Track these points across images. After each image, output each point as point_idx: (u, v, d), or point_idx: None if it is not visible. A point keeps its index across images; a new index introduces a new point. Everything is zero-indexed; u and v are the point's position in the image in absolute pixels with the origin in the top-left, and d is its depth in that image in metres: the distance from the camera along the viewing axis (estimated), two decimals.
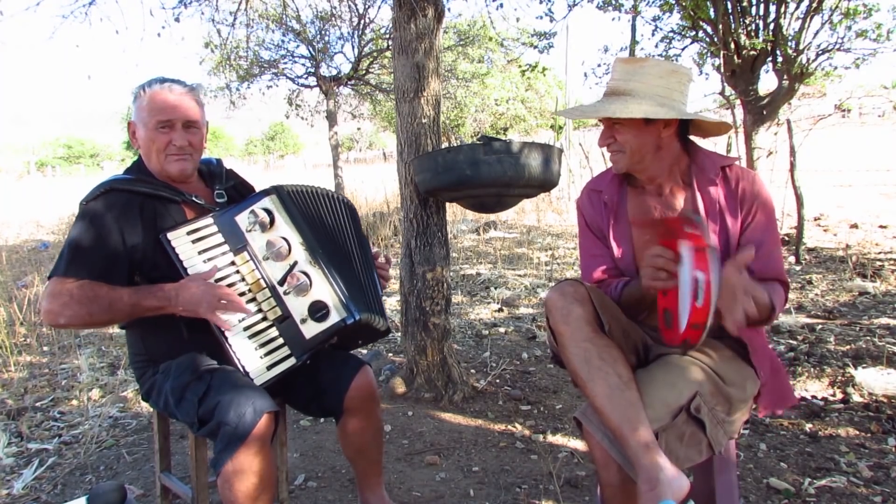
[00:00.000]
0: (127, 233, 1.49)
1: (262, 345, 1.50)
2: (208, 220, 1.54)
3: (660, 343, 1.51)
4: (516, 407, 2.81)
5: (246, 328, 1.49)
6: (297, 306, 1.52)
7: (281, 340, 1.51)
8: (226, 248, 1.53)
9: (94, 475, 2.31)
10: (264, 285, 1.52)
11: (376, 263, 1.78)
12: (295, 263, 1.54)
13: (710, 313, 1.21)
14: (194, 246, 1.51)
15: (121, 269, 1.49)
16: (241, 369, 1.46)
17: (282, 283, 1.52)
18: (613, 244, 1.59)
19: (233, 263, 1.53)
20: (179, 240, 1.50)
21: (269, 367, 1.48)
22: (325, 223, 1.68)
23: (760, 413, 1.54)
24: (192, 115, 1.57)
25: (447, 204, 2.93)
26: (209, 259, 1.51)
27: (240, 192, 1.76)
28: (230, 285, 1.50)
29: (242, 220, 1.55)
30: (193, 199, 1.59)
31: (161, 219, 1.54)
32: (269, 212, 1.56)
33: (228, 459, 1.31)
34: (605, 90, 1.52)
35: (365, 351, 3.64)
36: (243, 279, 1.52)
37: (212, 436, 1.38)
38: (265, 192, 1.61)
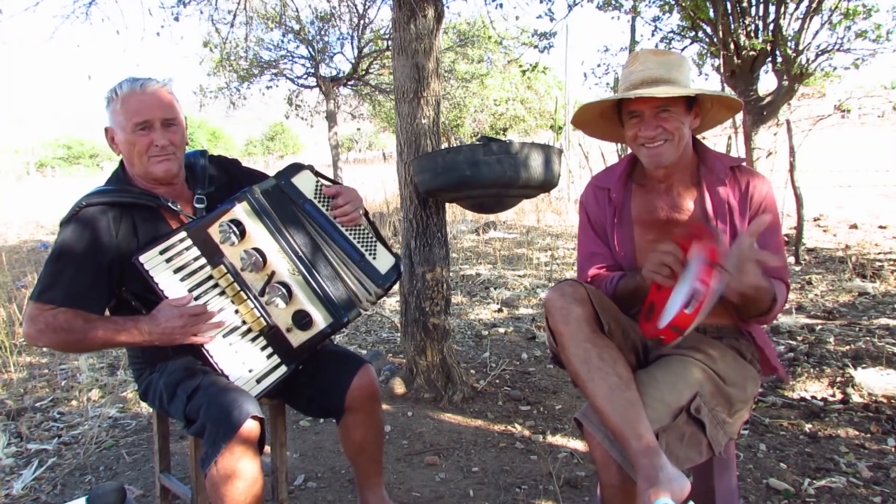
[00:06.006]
0: (103, 251, 1.46)
1: (250, 356, 1.49)
2: (181, 234, 1.49)
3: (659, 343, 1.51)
4: (516, 407, 2.81)
5: (231, 343, 1.48)
6: (281, 316, 1.50)
7: (270, 350, 1.50)
8: (203, 261, 1.49)
9: (93, 475, 2.31)
10: (245, 297, 1.50)
11: (337, 215, 1.61)
12: (272, 274, 1.50)
13: (694, 324, 1.24)
14: (168, 265, 1.46)
15: (99, 291, 1.47)
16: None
17: (262, 294, 1.50)
18: (615, 242, 1.59)
19: (211, 277, 1.50)
20: (152, 261, 1.45)
21: (259, 380, 1.48)
22: (299, 219, 1.58)
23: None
24: (170, 112, 1.51)
25: (447, 204, 2.93)
26: (186, 277, 1.48)
27: (231, 189, 1.64)
28: (211, 300, 1.49)
29: (214, 232, 1.49)
30: (169, 205, 1.55)
31: (141, 228, 1.51)
32: (238, 223, 1.49)
33: (213, 461, 1.31)
34: (632, 81, 1.48)
35: (365, 351, 3.64)
36: (223, 292, 1.50)
37: (199, 435, 1.38)
38: (237, 198, 1.52)
